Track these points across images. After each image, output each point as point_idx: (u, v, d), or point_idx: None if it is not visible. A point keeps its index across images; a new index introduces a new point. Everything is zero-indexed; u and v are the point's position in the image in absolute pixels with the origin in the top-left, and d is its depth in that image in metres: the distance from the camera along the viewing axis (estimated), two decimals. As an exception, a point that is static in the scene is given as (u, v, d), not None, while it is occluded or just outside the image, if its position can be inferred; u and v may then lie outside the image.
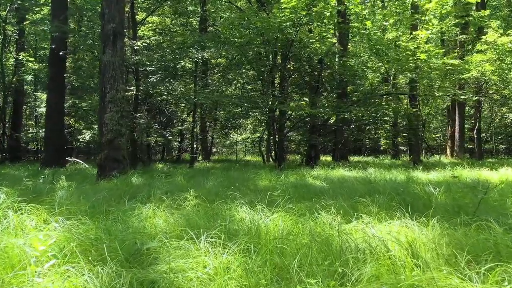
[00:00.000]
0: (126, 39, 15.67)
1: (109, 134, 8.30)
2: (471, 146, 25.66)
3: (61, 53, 14.10)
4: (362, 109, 15.62)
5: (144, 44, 14.47)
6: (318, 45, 14.93)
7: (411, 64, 12.00)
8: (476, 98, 14.72)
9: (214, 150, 29.18)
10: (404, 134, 15.83)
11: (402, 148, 29.15)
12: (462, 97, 12.66)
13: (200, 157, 22.62)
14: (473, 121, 26.06)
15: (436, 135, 28.79)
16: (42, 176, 7.98)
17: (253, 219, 3.77)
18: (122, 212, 4.12)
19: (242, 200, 5.39)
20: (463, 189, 6.97)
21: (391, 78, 22.57)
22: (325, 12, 12.31)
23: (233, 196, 5.63)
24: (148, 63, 15.27)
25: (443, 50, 13.66)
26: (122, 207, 4.52)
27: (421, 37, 11.46)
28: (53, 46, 14.59)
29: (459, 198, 5.96)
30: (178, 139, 22.71)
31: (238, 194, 5.41)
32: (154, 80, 14.47)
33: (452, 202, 5.47)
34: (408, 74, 11.88)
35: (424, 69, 12.00)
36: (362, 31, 13.95)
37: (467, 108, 24.14)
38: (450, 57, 12.17)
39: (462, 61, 11.95)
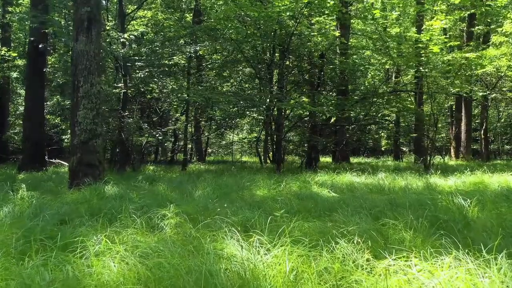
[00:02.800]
0: (113, 33, 14.57)
1: (82, 135, 7.16)
2: (475, 147, 24.64)
3: (40, 46, 12.92)
4: (367, 107, 14.54)
5: (131, 36, 13.31)
6: (320, 39, 13.82)
7: (422, 58, 10.94)
8: (494, 95, 13.68)
9: (210, 150, 28.11)
10: (414, 134, 14.73)
11: (403, 148, 28.11)
12: (480, 94, 11.63)
13: (194, 158, 21.48)
14: (477, 121, 25.07)
15: (440, 135, 27.76)
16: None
17: (247, 258, 2.65)
18: (62, 246, 2.99)
19: (235, 218, 4.27)
20: (499, 201, 5.89)
21: (393, 75, 21.56)
22: (328, 0, 11.20)
23: (224, 213, 4.52)
24: (136, 58, 14.13)
25: (458, 42, 12.61)
26: (71, 234, 3.38)
27: (434, 28, 10.40)
28: (32, 39, 13.41)
29: (503, 213, 4.87)
30: (172, 139, 21.60)
31: (229, 214, 4.28)
32: (142, 76, 13.29)
33: (499, 221, 4.38)
34: (421, 69, 10.81)
35: (437, 63, 10.94)
36: (369, 22, 12.83)
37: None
38: (465, 51, 11.12)
39: (478, 55, 10.89)
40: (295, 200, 5.58)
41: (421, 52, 11.10)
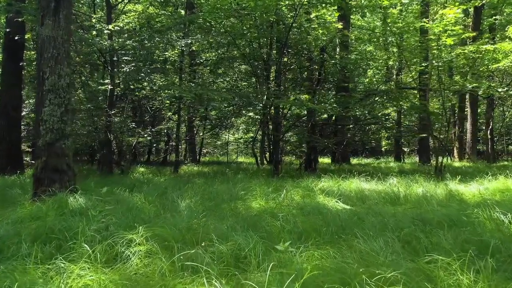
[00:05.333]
0: (97, 25, 13.48)
1: (48, 135, 6.11)
2: (478, 147, 23.70)
3: (16, 38, 11.83)
4: (369, 106, 13.56)
5: (116, 27, 12.22)
6: (320, 31, 12.81)
7: (434, 51, 9.99)
8: (513, 92, 12.72)
9: (205, 151, 27.15)
10: (423, 135, 13.74)
11: (404, 149, 27.12)
12: (499, 90, 10.69)
13: (188, 159, 20.43)
14: (480, 120, 24.14)
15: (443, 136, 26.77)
16: None
17: None
18: None
19: (223, 247, 3.26)
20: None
21: (395, 72, 20.57)
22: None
23: (210, 238, 3.49)
24: (124, 52, 13.06)
25: (474, 33, 11.64)
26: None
27: (448, 17, 9.44)
28: (7, 30, 12.31)
29: None
30: (165, 139, 20.58)
31: (215, 241, 3.26)
32: (128, 70, 12.19)
33: None
34: (434, 62, 9.84)
35: (452, 56, 9.98)
36: (375, 11, 11.85)
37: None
38: (480, 43, 10.18)
39: (496, 47, 9.92)
40: (299, 216, 4.56)
41: (433, 44, 10.12)
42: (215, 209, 5.26)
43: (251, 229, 3.95)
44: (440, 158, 10.97)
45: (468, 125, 20.10)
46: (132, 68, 12.16)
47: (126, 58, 13.20)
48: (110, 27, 11.95)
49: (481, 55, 10.32)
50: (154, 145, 18.31)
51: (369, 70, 21.19)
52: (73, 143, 6.55)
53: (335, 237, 3.67)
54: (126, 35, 12.79)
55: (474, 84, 9.90)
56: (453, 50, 10.61)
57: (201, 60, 18.18)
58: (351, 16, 18.71)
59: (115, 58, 12.98)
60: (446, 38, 9.76)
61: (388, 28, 10.47)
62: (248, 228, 4.00)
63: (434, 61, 9.86)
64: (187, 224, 4.14)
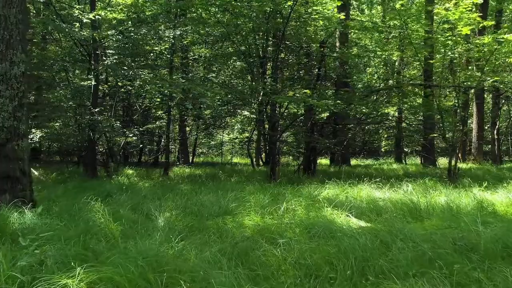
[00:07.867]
0: (77, 14, 12.37)
1: (-3, 135, 5.06)
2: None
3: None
4: (374, 103, 12.55)
5: (98, 17, 11.10)
6: (321, 22, 11.79)
7: (449, 42, 9.01)
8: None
9: (200, 151, 26.13)
10: (434, 135, 12.76)
11: (406, 150, 26.15)
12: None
13: (181, 160, 19.35)
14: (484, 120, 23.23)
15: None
16: None
17: None
18: None
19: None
20: None
21: (397, 68, 19.56)
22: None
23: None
24: (106, 45, 11.96)
25: (493, 22, 10.68)
26: None
27: (465, 3, 8.46)
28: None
29: None
30: (156, 139, 19.51)
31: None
32: (109, 63, 11.06)
33: None
34: (449, 53, 8.87)
35: (468, 47, 9.03)
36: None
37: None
38: (499, 33, 9.22)
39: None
40: (304, 240, 3.51)
41: (447, 34, 9.13)
42: (199, 227, 4.21)
43: (241, 262, 2.90)
44: (453, 161, 9.97)
45: (473, 125, 19.13)
46: (114, 61, 11.03)
47: (110, 51, 12.12)
48: (91, 16, 10.83)
49: (499, 47, 9.33)
50: (141, 145, 17.17)
51: (368, 68, 20.21)
52: (29, 144, 5.46)
53: (360, 278, 2.63)
54: (108, 25, 11.66)
55: (496, 78, 8.92)
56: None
57: (195, 56, 17.10)
58: (351, 12, 17.73)
59: (98, 51, 11.88)
60: (462, 27, 8.76)
61: (397, 19, 9.43)
62: (238, 260, 2.95)
63: (449, 53, 8.85)
64: (156, 253, 3.07)
